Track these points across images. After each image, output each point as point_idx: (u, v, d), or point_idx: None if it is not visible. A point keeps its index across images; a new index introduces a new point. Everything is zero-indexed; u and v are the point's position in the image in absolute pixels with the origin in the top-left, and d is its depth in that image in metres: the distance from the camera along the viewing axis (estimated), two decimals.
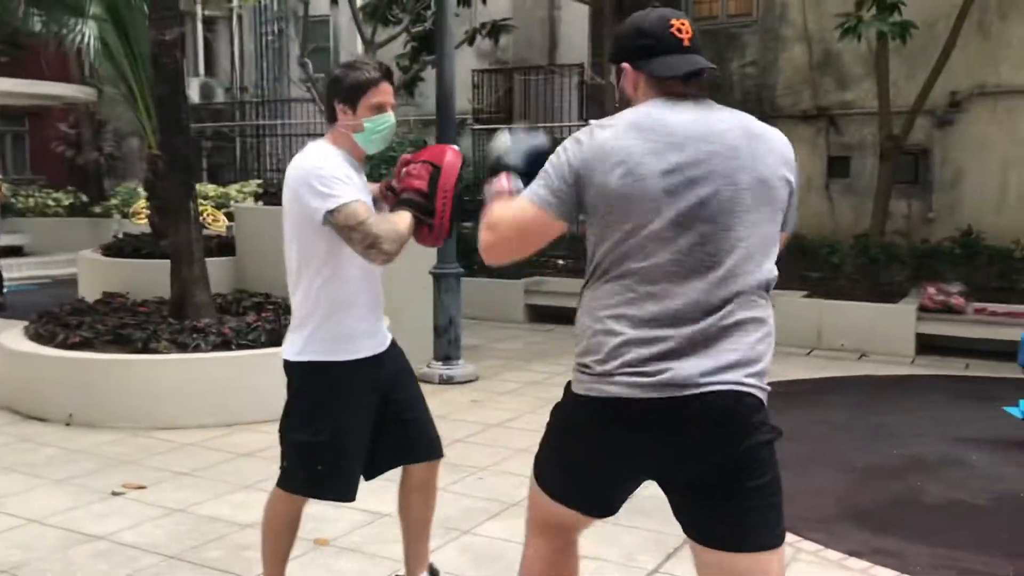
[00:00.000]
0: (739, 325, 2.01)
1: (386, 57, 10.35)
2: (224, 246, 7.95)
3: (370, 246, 2.64)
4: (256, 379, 5.56)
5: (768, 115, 10.30)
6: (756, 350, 2.03)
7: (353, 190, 2.69)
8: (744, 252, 2.03)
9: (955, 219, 9.30)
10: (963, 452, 5.10)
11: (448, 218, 2.84)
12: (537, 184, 2.12)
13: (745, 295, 2.03)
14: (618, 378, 2.01)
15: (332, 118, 2.83)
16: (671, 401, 1.97)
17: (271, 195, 7.92)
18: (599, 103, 11.17)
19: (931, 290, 8.07)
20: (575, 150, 2.08)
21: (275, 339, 5.78)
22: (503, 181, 2.25)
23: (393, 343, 3.00)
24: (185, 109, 6.12)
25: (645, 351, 1.99)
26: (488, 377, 6.93)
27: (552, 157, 2.13)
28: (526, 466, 4.60)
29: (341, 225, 2.63)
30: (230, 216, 11.89)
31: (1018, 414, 5.81)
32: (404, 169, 2.87)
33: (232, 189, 14.12)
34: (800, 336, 8.19)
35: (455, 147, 2.98)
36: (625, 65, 2.15)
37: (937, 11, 8.62)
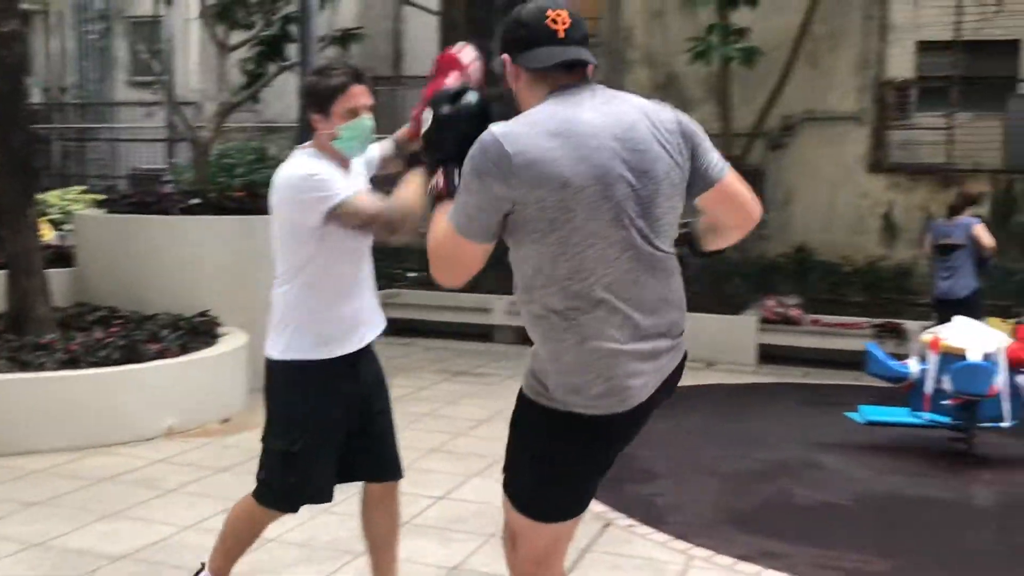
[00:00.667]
0: None
1: (230, 61, 9.96)
2: (60, 256, 7.36)
3: (390, 232, 2.69)
4: (110, 399, 5.19)
5: None
6: None
7: (344, 186, 2.71)
8: None
9: (787, 236, 9.87)
10: (819, 456, 5.40)
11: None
12: (460, 212, 2.05)
13: None
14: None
15: (312, 127, 2.82)
16: None
17: (114, 202, 7.41)
18: None
19: (770, 303, 8.53)
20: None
21: (129, 355, 5.42)
22: (439, 181, 2.18)
23: (371, 349, 2.96)
24: (26, 107, 5.65)
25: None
26: None
27: (468, 180, 2.03)
28: (411, 483, 4.51)
29: (348, 222, 2.68)
30: (54, 224, 11.07)
31: (859, 419, 6.23)
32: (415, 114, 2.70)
33: (52, 195, 13.14)
34: None
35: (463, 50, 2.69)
36: (505, 57, 2.12)
37: (772, 40, 9.10)
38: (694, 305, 8.61)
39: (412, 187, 2.67)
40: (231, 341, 6.03)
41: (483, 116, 2.20)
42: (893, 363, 5.47)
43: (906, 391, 5.45)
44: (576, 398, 2.08)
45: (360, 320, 2.90)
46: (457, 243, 2.06)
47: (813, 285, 9.19)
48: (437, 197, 2.17)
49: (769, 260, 9.29)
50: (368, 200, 2.70)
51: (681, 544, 3.94)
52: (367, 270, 2.92)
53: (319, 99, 2.76)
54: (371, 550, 3.07)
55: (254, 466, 2.91)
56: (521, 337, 10.06)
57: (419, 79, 12.40)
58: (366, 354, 2.93)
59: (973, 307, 6.43)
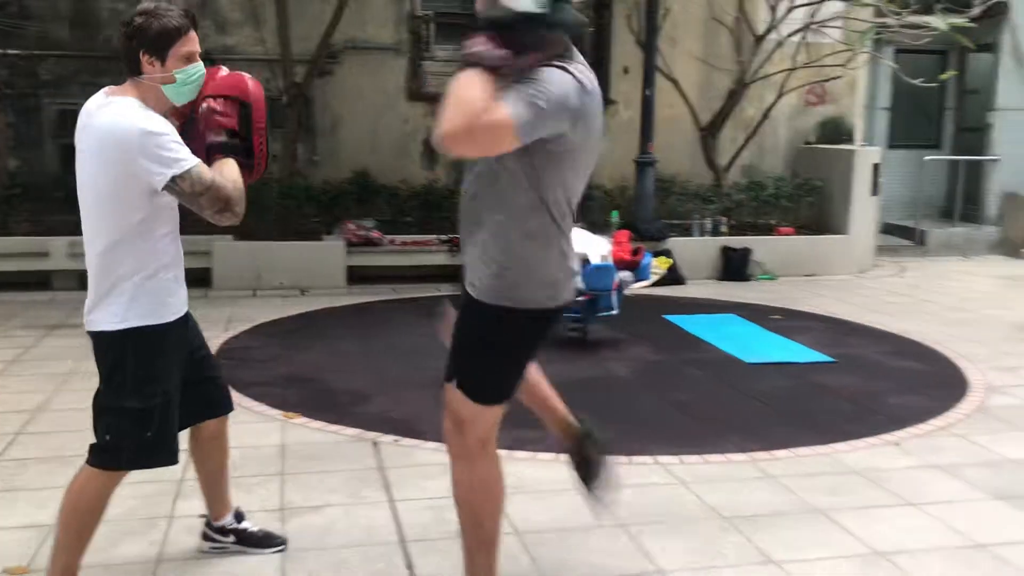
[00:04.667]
0: None
1: None
2: None
3: (222, 210, 2.63)
4: None
5: None
6: None
7: (188, 150, 2.60)
8: None
9: (337, 161, 10.23)
10: None
11: (266, 156, 2.82)
12: (529, 111, 2.28)
13: None
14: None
15: (136, 71, 2.66)
16: None
17: None
18: None
19: (351, 226, 8.94)
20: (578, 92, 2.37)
21: None
22: (509, 57, 2.31)
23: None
24: None
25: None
26: None
27: (550, 95, 2.31)
28: None
29: (187, 191, 2.58)
30: None
31: None
32: (208, 107, 2.72)
33: None
34: (241, 279, 8.38)
35: (249, 76, 2.84)
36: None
37: None
38: (274, 236, 8.75)
39: (234, 170, 2.68)
40: None
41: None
42: None
43: None
44: (550, 292, 2.59)
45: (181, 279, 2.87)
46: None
47: (377, 208, 9.74)
48: (491, 64, 2.29)
49: (336, 185, 9.59)
50: (210, 172, 2.61)
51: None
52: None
53: (156, 41, 2.63)
54: (205, 486, 3.17)
55: None
56: (82, 283, 9.04)
57: None
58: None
59: None
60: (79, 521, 2.78)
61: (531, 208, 2.47)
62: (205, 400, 3.00)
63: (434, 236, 9.17)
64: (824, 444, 4.46)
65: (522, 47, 2.32)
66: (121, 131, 2.54)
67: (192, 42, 2.68)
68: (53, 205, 8.77)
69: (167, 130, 2.58)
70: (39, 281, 8.15)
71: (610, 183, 10.39)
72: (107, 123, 2.57)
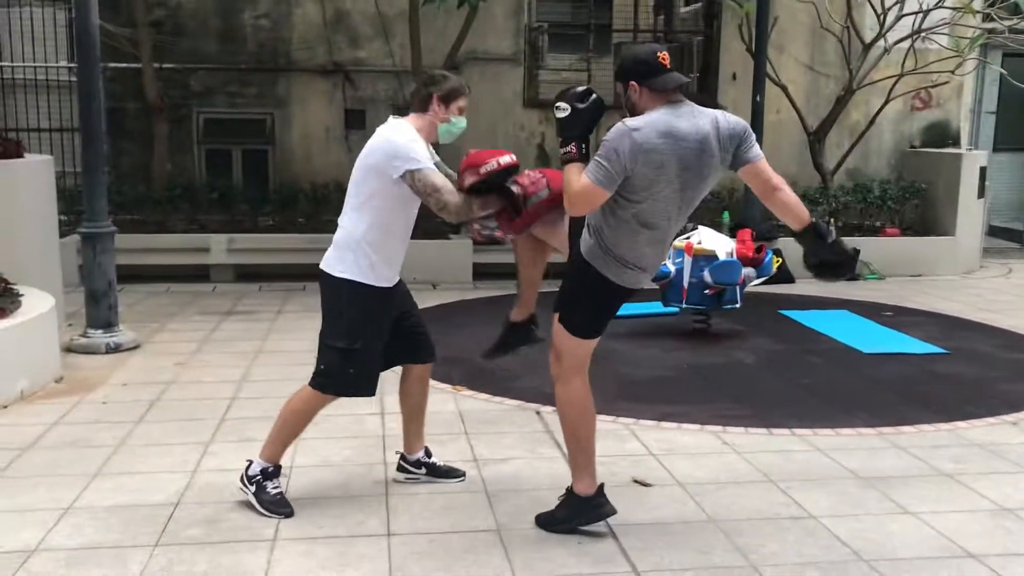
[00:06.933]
0: None
1: None
2: None
3: (440, 209, 3.43)
4: None
5: (284, 68, 10.77)
6: None
7: (427, 158, 3.43)
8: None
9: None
10: (608, 344, 6.56)
11: (527, 223, 3.64)
12: (600, 171, 3.11)
13: None
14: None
15: (424, 108, 3.51)
16: None
17: None
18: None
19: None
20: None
21: None
22: (574, 150, 3.20)
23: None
24: None
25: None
26: (153, 340, 6.49)
27: (608, 152, 3.10)
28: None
29: (418, 187, 3.37)
30: None
31: None
32: (529, 174, 3.55)
33: None
34: None
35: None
36: (632, 83, 3.21)
37: None
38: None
39: (479, 200, 3.52)
40: (37, 302, 5.51)
41: (600, 110, 3.25)
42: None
43: (664, 288, 6.81)
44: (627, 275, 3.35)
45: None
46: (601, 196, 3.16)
47: None
48: (570, 160, 3.17)
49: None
50: (442, 179, 3.45)
51: (627, 420, 4.86)
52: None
53: (450, 92, 3.51)
54: (405, 420, 3.93)
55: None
56: (238, 276, 9.92)
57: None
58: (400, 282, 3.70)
59: None
60: (292, 422, 3.66)
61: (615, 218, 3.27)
62: (413, 349, 3.84)
63: None
64: (945, 422, 4.88)
65: (577, 138, 3.21)
66: (386, 140, 3.47)
67: (465, 100, 3.58)
68: (206, 205, 9.67)
69: (418, 143, 3.45)
70: (197, 274, 8.98)
71: (719, 186, 10.84)
72: (383, 132, 3.51)
